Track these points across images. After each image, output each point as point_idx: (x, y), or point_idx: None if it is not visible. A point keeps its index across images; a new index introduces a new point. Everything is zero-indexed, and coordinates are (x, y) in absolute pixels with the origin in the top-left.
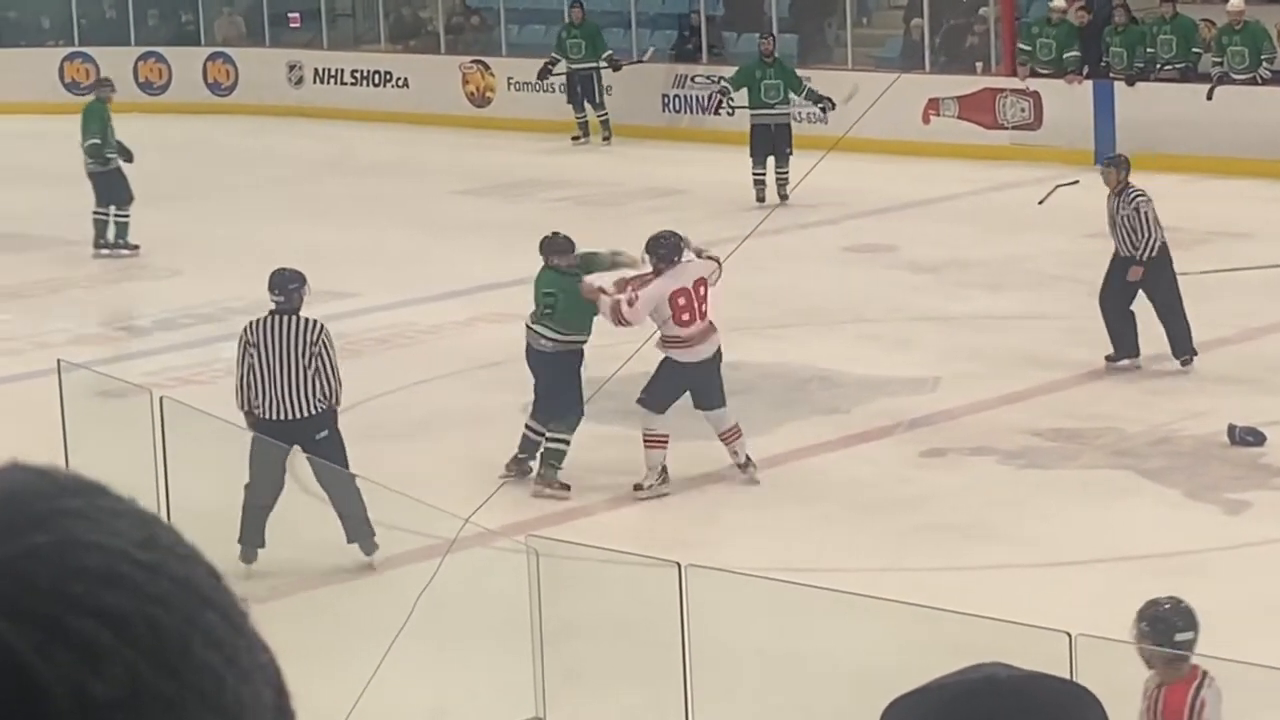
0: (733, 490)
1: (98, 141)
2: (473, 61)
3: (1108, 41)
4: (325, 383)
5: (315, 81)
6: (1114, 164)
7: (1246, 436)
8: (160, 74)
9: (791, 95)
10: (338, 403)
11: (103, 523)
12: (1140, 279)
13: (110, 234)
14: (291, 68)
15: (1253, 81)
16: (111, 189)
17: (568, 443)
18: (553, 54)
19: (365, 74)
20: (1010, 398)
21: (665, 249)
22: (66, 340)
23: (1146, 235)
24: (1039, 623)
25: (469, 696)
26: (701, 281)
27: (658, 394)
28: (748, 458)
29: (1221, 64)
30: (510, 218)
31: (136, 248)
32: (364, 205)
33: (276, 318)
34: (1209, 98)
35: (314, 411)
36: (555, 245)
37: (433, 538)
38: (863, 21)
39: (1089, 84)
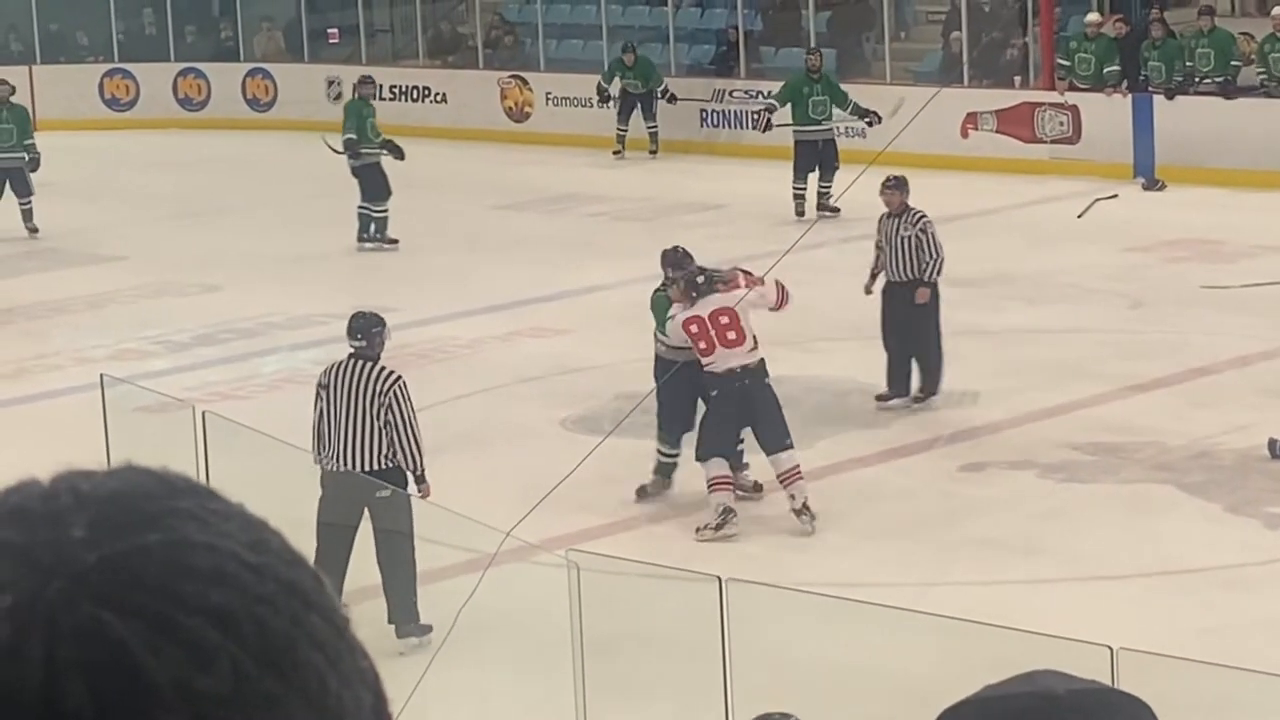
0: (773, 504)
1: (353, 137)
2: (511, 76)
3: (1145, 55)
4: (396, 438)
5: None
6: (897, 186)
7: None
8: (200, 90)
9: (836, 110)
10: (412, 467)
11: (212, 524)
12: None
13: (371, 229)
14: (330, 83)
15: None
16: (367, 184)
17: (669, 456)
18: (600, 82)
19: (404, 89)
20: (1050, 411)
21: (671, 262)
22: (107, 355)
23: (933, 256)
24: (1081, 636)
25: (510, 711)
26: (722, 311)
27: (707, 440)
28: (804, 504)
29: (1265, 73)
30: (550, 232)
31: (395, 242)
32: (403, 220)
33: (354, 363)
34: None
35: (378, 466)
36: (670, 259)
37: (473, 552)
38: (901, 36)
39: (1128, 98)
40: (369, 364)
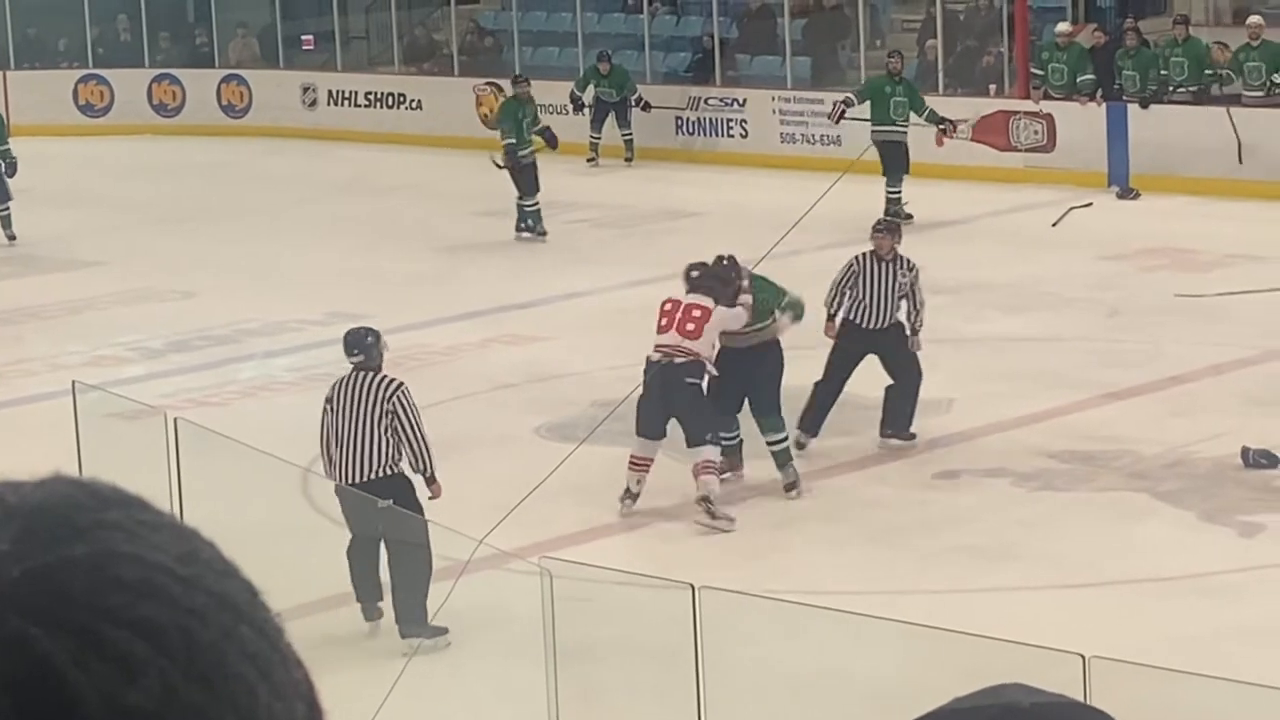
0: (747, 511)
1: (513, 141)
2: (486, 84)
3: (1120, 65)
4: (404, 442)
5: (329, 104)
6: (889, 231)
7: (1260, 459)
8: (174, 96)
9: (912, 115)
10: (422, 469)
11: (141, 536)
12: (888, 349)
13: (527, 222)
14: (305, 90)
15: (1267, 102)
16: (521, 181)
17: (730, 439)
18: (574, 90)
19: (379, 96)
20: (1026, 419)
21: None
22: (82, 361)
23: (920, 305)
24: (1054, 645)
25: (484, 717)
26: (698, 306)
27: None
28: (704, 498)
29: (1237, 81)
30: (526, 240)
31: (545, 234)
32: (377, 227)
33: (356, 374)
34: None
35: (383, 474)
36: (718, 270)
37: (447, 559)
38: (876, 44)
39: (1102, 106)
40: (370, 374)
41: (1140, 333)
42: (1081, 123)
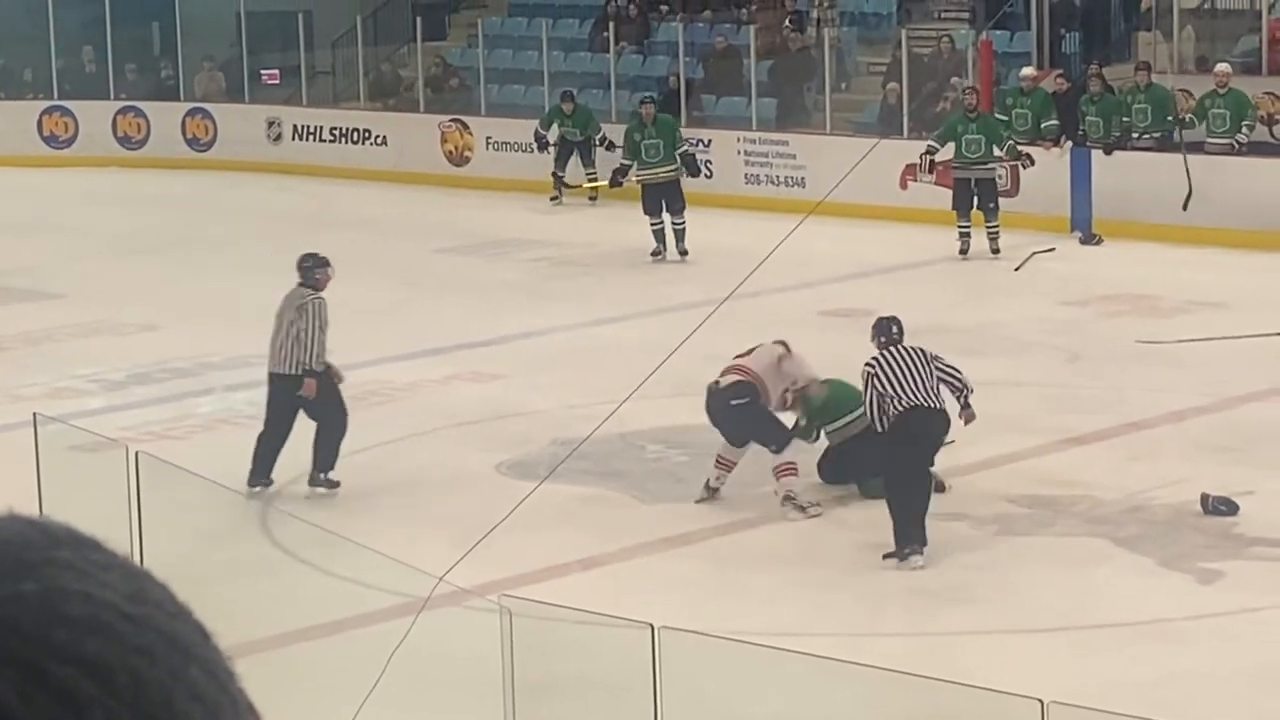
0: (707, 552)
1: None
2: (451, 120)
3: (1083, 110)
4: (298, 348)
5: (294, 138)
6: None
7: (1220, 506)
8: (139, 128)
9: (994, 149)
10: (305, 369)
11: (91, 574)
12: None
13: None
14: (270, 124)
15: (1230, 150)
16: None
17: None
18: (538, 129)
19: (344, 131)
20: (986, 463)
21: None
22: (43, 393)
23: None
24: (1012, 689)
25: None
26: (737, 369)
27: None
28: (787, 495)
29: (1202, 128)
30: (489, 277)
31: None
32: (341, 263)
33: (294, 289)
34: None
35: (289, 371)
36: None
37: (406, 596)
38: (842, 86)
39: (1066, 153)
40: (298, 288)
41: (1101, 378)
42: (1045, 168)
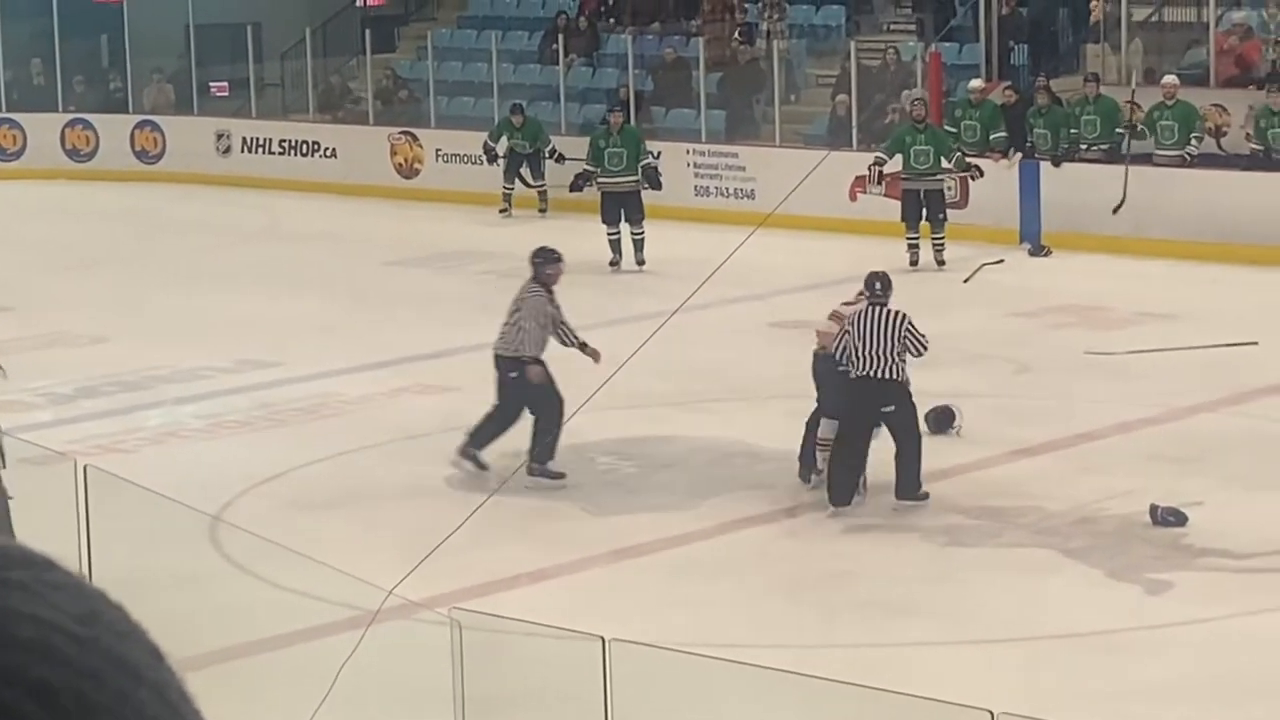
0: (659, 564)
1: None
2: (401, 133)
3: (1031, 123)
4: (517, 336)
5: (243, 150)
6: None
7: (1168, 517)
8: (88, 141)
9: (943, 161)
10: (520, 355)
11: (42, 596)
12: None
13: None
14: (219, 136)
15: (1179, 162)
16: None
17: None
18: (487, 141)
19: (293, 143)
20: (935, 474)
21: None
22: None
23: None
24: (962, 700)
25: None
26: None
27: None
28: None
29: (1149, 139)
30: (439, 289)
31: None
32: (291, 275)
33: None
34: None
35: (507, 353)
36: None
37: (356, 609)
38: (791, 99)
39: (1015, 165)
40: (530, 282)
41: (1050, 390)
42: (994, 180)
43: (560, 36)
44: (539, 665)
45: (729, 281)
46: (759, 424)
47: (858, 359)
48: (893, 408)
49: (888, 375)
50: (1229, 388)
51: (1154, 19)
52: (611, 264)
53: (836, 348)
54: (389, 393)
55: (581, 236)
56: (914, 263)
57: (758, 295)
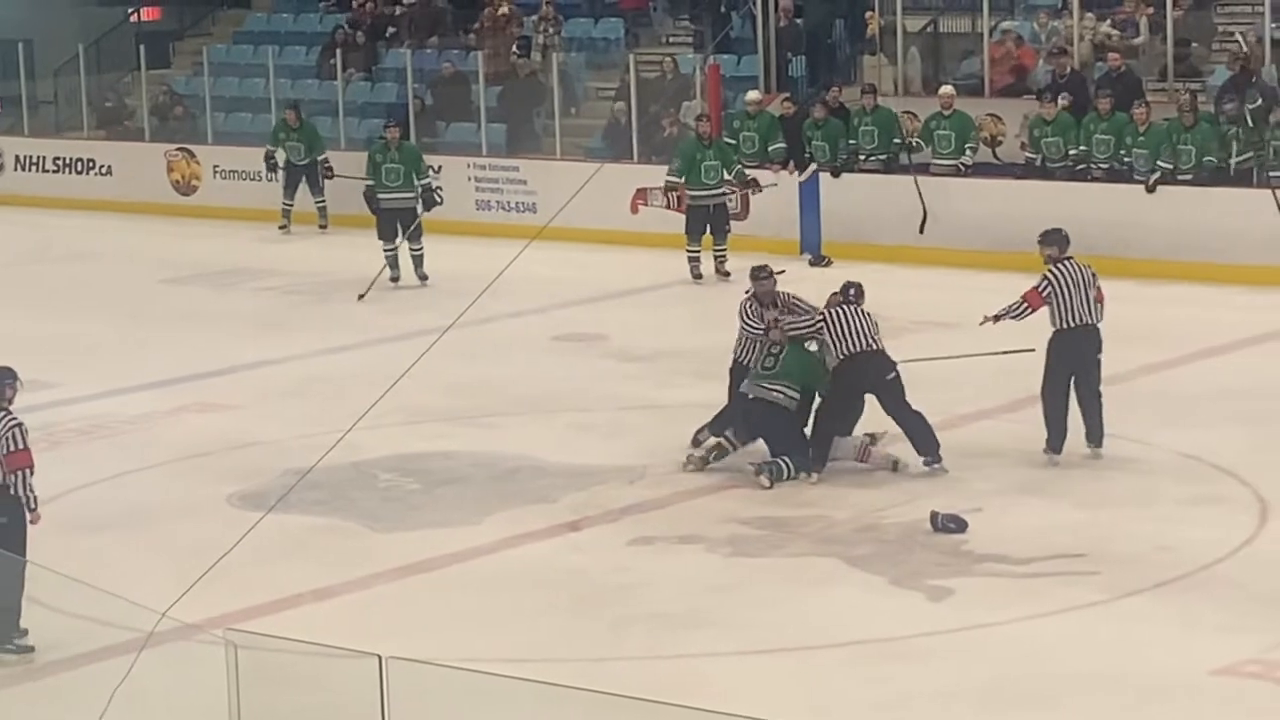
0: (443, 580)
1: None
2: (178, 149)
3: (808, 134)
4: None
5: (16, 169)
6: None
7: (949, 524)
8: None
9: (725, 174)
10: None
11: None
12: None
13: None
14: None
15: (955, 171)
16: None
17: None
18: (268, 148)
19: (68, 161)
20: (718, 486)
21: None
22: None
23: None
24: (750, 712)
25: None
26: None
27: None
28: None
29: (927, 150)
30: (218, 306)
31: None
32: (66, 294)
33: None
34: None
35: (742, 359)
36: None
37: (130, 630)
38: (571, 111)
39: (795, 175)
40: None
41: None
42: (774, 192)
43: (338, 51)
44: (315, 685)
45: (511, 295)
46: (542, 438)
47: (846, 341)
48: (893, 375)
49: (881, 347)
50: (1006, 395)
51: (929, 29)
52: (392, 279)
53: (798, 330)
54: (169, 411)
55: (363, 252)
56: (697, 276)
57: (540, 309)
